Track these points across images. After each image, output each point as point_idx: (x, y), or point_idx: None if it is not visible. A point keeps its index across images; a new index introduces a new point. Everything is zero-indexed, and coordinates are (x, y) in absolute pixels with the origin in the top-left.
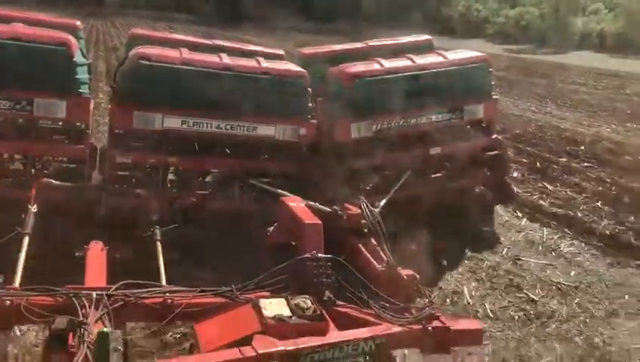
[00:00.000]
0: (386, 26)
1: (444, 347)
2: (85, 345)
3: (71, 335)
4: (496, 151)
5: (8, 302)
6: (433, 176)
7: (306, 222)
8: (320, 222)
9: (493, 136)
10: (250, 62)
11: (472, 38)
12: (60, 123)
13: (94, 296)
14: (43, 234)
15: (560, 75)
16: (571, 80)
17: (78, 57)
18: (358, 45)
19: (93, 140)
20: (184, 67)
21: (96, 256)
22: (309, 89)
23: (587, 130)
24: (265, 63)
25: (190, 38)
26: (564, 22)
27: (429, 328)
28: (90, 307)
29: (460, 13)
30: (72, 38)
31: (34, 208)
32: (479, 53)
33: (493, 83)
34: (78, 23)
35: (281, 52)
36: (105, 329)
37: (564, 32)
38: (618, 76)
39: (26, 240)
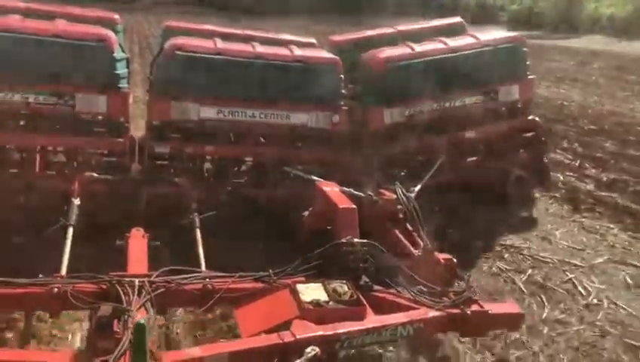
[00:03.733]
0: (405, 15)
1: (482, 331)
2: (129, 331)
3: (115, 321)
4: (532, 133)
5: (56, 289)
6: (469, 159)
7: (341, 206)
8: (355, 206)
9: (530, 117)
10: (283, 51)
11: (488, 24)
12: (101, 117)
13: (137, 282)
14: (86, 224)
15: (545, 55)
16: (550, 58)
17: (117, 53)
18: (389, 30)
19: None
20: (219, 57)
21: (137, 243)
22: (342, 76)
23: None
24: (297, 51)
25: (222, 29)
26: (577, 7)
27: (468, 312)
28: (133, 294)
29: (476, 1)
30: (111, 34)
31: (77, 200)
32: (513, 34)
33: (528, 63)
34: (116, 16)
35: (313, 40)
36: (141, 321)
37: (576, 18)
38: (596, 54)
39: (70, 230)
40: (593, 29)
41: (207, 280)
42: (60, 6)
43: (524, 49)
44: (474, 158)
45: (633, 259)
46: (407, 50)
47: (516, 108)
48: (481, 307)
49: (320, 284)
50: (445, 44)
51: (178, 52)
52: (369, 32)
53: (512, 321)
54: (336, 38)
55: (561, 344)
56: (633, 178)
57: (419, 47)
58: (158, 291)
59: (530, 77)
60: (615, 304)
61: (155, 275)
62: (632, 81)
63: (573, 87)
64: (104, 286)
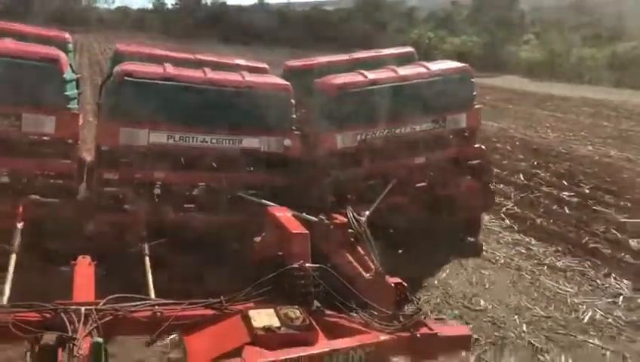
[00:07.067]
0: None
1: (432, 353)
2: (75, 360)
3: (60, 350)
4: (479, 160)
5: None
6: (418, 185)
7: (293, 231)
8: (307, 231)
9: (476, 145)
10: (233, 76)
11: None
12: (48, 138)
13: (83, 310)
14: (31, 250)
15: None
16: None
17: (67, 73)
18: (342, 57)
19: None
20: (168, 83)
21: (84, 270)
22: (293, 101)
23: None
24: (248, 77)
25: (174, 54)
26: (500, 50)
27: (417, 335)
28: (79, 322)
29: (412, 40)
30: (62, 54)
31: (20, 225)
32: (461, 64)
33: (475, 93)
34: (67, 35)
35: (265, 65)
36: (98, 339)
37: (498, 59)
38: (495, 89)
39: (13, 257)
40: (513, 69)
41: (156, 307)
42: (8, 23)
43: (472, 79)
44: (423, 183)
45: None
46: (360, 78)
47: (463, 136)
48: (431, 329)
49: (272, 310)
50: (396, 72)
51: (127, 78)
52: (322, 59)
53: (462, 343)
54: (291, 63)
55: None
56: None
57: (371, 75)
58: (106, 319)
59: (477, 106)
60: None
61: (102, 303)
62: (501, 107)
63: None
64: (48, 315)
